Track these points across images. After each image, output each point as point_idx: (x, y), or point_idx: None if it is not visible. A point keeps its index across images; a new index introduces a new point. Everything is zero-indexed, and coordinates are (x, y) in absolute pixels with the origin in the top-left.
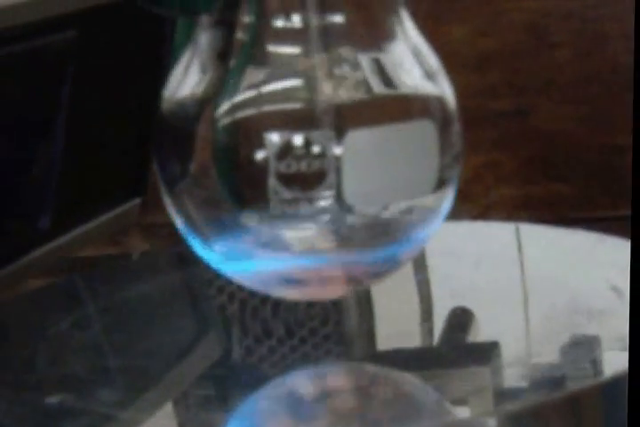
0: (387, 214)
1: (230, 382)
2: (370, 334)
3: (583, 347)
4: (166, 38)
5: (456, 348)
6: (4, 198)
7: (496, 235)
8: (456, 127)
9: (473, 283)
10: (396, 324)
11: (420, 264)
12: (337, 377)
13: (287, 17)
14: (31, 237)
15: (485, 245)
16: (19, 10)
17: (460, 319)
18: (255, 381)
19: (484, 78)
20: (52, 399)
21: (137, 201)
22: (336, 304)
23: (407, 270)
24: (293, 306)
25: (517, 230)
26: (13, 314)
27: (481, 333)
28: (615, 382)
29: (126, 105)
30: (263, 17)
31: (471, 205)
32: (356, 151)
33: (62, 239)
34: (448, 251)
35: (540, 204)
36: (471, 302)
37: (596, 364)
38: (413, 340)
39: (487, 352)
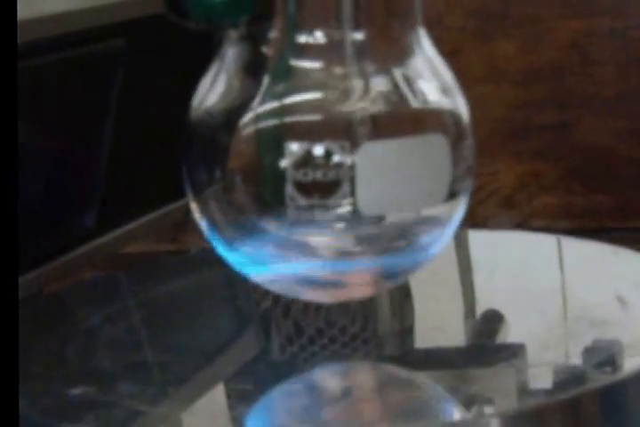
0: (399, 222)
1: (262, 378)
2: (400, 333)
3: (602, 350)
4: (212, 47)
5: (482, 349)
6: (52, 197)
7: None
8: (469, 141)
9: (490, 289)
10: (429, 323)
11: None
12: (357, 376)
13: (311, 33)
14: (77, 235)
15: (510, 254)
16: (70, 18)
17: (490, 322)
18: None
19: (529, 92)
20: (78, 392)
21: (183, 201)
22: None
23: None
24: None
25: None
26: (50, 308)
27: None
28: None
29: (172, 108)
30: (289, 32)
31: (515, 212)
32: (371, 162)
33: (107, 237)
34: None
35: (580, 213)
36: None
37: (615, 366)
38: (442, 339)
39: (512, 354)
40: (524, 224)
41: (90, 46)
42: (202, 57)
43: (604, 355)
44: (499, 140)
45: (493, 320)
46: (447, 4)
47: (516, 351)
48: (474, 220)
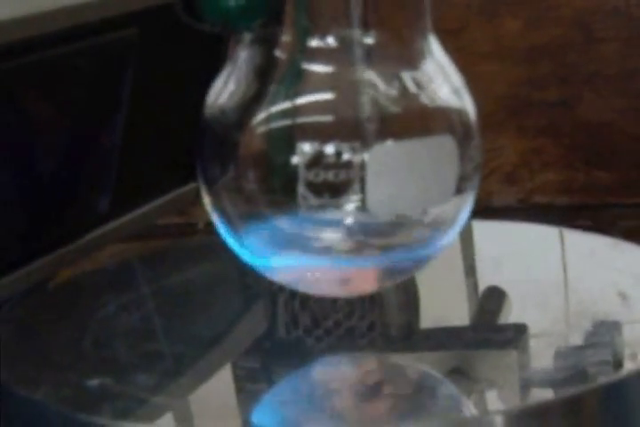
0: (407, 220)
1: (274, 368)
2: (405, 322)
3: (603, 345)
4: (224, 37)
5: (485, 330)
6: (66, 183)
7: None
8: (476, 141)
9: (493, 281)
10: (434, 314)
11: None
12: (361, 366)
13: (322, 36)
14: (91, 219)
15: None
16: (82, 9)
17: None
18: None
19: (532, 69)
20: (94, 382)
21: (192, 185)
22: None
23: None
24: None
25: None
26: (67, 295)
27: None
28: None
29: (184, 96)
30: (300, 36)
31: (517, 189)
32: (381, 163)
33: (120, 221)
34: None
35: (582, 189)
36: None
37: (616, 362)
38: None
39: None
40: (525, 200)
41: (103, 36)
42: (214, 46)
43: (606, 350)
44: (502, 117)
45: (496, 299)
46: None
47: (518, 334)
48: (476, 196)
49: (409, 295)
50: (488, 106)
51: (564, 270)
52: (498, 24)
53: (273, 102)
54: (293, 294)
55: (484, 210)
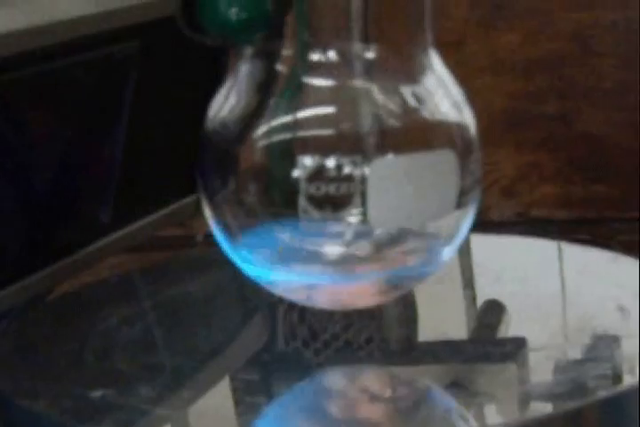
0: (408, 233)
1: (275, 381)
2: (404, 335)
3: (602, 360)
4: (226, 50)
5: (484, 345)
6: (67, 195)
7: (524, 249)
8: (476, 155)
9: (492, 295)
10: (432, 327)
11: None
12: (360, 379)
13: (323, 51)
14: (92, 231)
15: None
16: (83, 21)
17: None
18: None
19: (530, 83)
20: (96, 394)
21: (193, 196)
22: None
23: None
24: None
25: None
26: (68, 308)
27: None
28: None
29: (185, 109)
30: (301, 50)
31: (515, 202)
32: (382, 177)
33: (121, 232)
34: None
35: (579, 203)
36: None
37: (615, 376)
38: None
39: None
40: (524, 214)
41: (104, 49)
42: (215, 58)
43: (605, 364)
44: (500, 131)
45: (495, 312)
46: None
47: (517, 348)
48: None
49: (408, 308)
50: (486, 119)
51: (563, 284)
52: (496, 38)
53: (274, 116)
54: (292, 307)
55: (482, 223)
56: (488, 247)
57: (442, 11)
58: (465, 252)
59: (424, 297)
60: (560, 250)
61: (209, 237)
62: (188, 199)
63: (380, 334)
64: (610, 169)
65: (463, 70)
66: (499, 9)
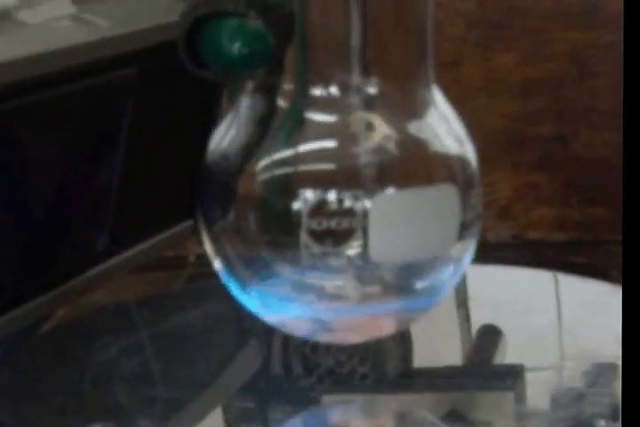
0: (409, 267)
1: (273, 414)
2: (398, 367)
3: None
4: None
5: (481, 373)
6: (62, 222)
7: (521, 280)
8: (477, 189)
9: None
10: (427, 357)
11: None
12: (356, 410)
13: (324, 86)
14: (88, 257)
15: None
16: (83, 49)
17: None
18: None
19: (527, 104)
20: (95, 426)
21: (189, 222)
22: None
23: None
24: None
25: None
26: (65, 337)
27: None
28: None
29: (182, 136)
30: (302, 85)
31: (511, 224)
32: (384, 211)
33: (118, 259)
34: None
35: (576, 225)
36: None
37: (614, 400)
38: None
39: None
40: (520, 235)
41: (101, 76)
42: (213, 87)
43: (604, 397)
44: (496, 152)
45: (492, 340)
46: (448, 14)
47: (515, 376)
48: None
49: (404, 337)
50: (482, 140)
51: (560, 315)
52: (492, 58)
53: (275, 149)
54: (290, 338)
55: (477, 245)
56: (484, 277)
57: (438, 30)
58: (461, 281)
59: (420, 325)
60: (557, 280)
61: (201, 257)
62: (185, 224)
63: (377, 363)
64: (607, 191)
65: (459, 90)
66: (495, 29)
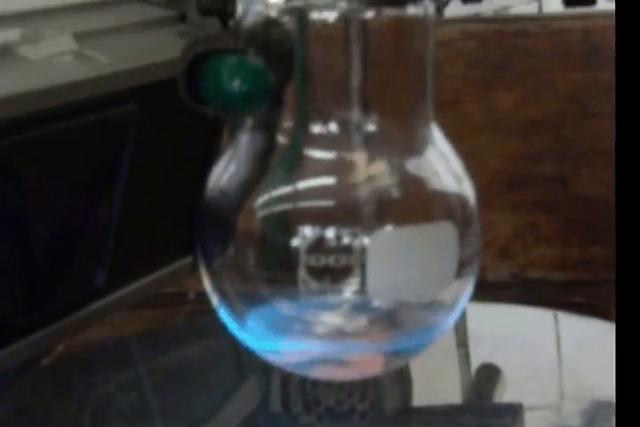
0: (407, 304)
1: None
2: (398, 404)
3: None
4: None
5: (480, 411)
6: (63, 256)
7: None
8: (475, 227)
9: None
10: (427, 396)
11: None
12: None
13: (323, 123)
14: (87, 293)
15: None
16: (84, 85)
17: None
18: None
19: (528, 144)
20: None
21: (189, 258)
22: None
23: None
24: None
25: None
26: (64, 372)
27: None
28: None
29: (182, 172)
30: (301, 122)
31: (511, 263)
32: (382, 249)
33: (117, 294)
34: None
35: (576, 265)
36: None
37: None
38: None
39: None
40: (519, 275)
41: (103, 111)
42: (214, 122)
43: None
44: (496, 191)
45: (491, 379)
46: (449, 53)
47: (514, 415)
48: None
49: (403, 375)
50: (482, 180)
51: (559, 354)
52: (493, 97)
53: (273, 186)
54: (288, 375)
55: (477, 284)
56: (484, 315)
57: (439, 70)
58: (460, 319)
59: (420, 363)
60: (556, 319)
61: (201, 294)
62: (184, 260)
63: (376, 401)
64: (607, 231)
65: (460, 130)
66: (496, 69)
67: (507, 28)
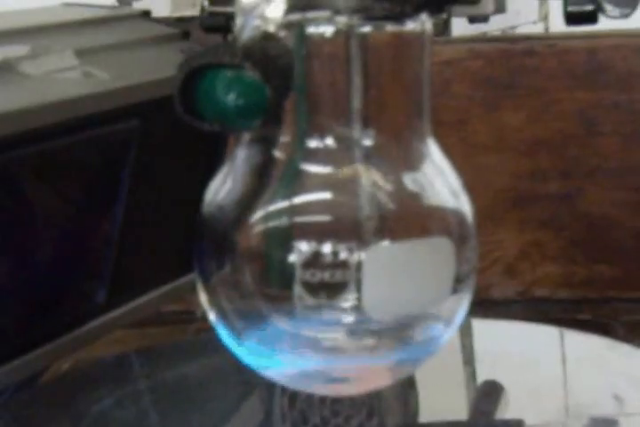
0: (405, 319)
1: None
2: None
3: None
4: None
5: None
6: (64, 273)
7: (526, 336)
8: (472, 243)
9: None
10: (433, 412)
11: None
12: None
13: (321, 138)
14: (88, 310)
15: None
16: (85, 101)
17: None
18: None
19: (533, 162)
20: None
21: (191, 275)
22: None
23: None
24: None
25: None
26: (63, 388)
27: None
28: None
29: (183, 188)
30: (299, 137)
31: (517, 281)
32: (378, 264)
33: (118, 311)
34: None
35: (582, 283)
36: None
37: None
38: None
39: None
40: (525, 293)
41: (103, 128)
42: (215, 137)
43: None
44: (502, 209)
45: (494, 396)
46: (455, 73)
47: None
48: (476, 288)
49: (406, 390)
50: (489, 198)
51: (564, 372)
52: (499, 116)
53: (271, 201)
54: (288, 391)
55: (483, 302)
56: (489, 332)
57: (445, 89)
58: (466, 335)
59: (423, 378)
60: (562, 336)
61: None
62: (186, 278)
63: (379, 416)
64: (613, 249)
65: (466, 149)
66: (502, 88)
67: (513, 48)
